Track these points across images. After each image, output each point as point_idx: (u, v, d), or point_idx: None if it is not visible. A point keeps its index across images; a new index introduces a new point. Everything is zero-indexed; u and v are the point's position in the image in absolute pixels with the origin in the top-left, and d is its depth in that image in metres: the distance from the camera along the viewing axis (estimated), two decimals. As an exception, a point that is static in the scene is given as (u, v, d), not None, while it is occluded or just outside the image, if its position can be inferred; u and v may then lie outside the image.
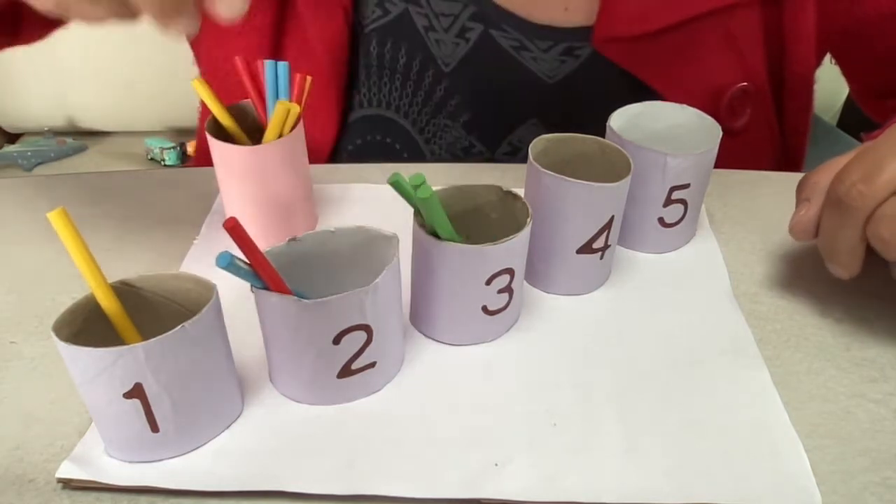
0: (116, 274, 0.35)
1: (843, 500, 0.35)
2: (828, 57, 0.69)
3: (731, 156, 0.62)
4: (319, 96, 0.61)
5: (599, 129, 0.48)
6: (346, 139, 0.65)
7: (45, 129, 1.66)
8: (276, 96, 0.48)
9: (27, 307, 0.46)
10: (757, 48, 0.62)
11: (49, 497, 0.34)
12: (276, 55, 0.62)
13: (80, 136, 1.66)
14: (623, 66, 0.59)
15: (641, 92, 0.59)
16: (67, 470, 0.34)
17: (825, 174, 0.43)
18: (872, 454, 0.37)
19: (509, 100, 0.63)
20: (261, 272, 0.34)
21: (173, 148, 1.60)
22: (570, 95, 0.62)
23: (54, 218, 0.32)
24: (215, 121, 0.48)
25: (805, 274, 0.50)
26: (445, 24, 0.60)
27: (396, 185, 0.36)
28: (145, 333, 0.33)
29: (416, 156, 0.66)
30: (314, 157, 0.65)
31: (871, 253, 0.41)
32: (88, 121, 1.64)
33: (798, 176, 0.60)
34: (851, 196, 0.39)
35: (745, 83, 0.61)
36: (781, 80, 0.64)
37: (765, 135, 0.66)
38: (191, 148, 1.74)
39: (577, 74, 0.61)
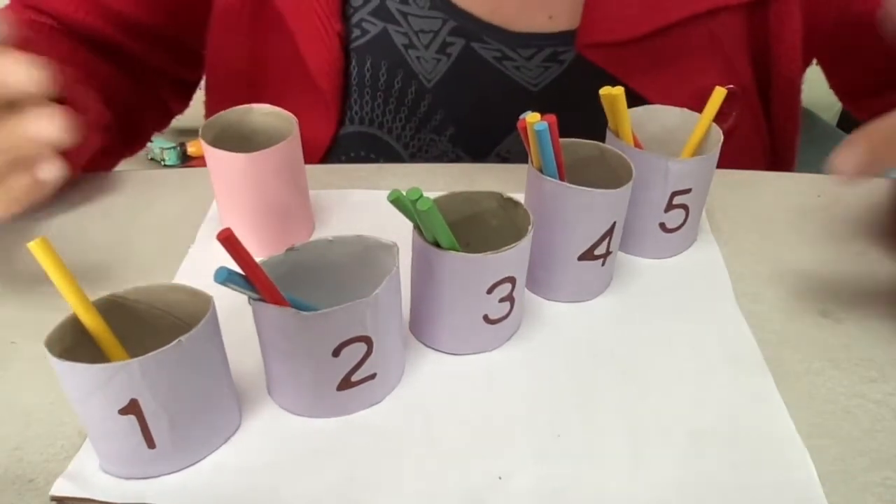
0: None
1: (843, 500, 0.35)
2: None
3: (720, 157, 0.62)
4: (313, 111, 0.61)
5: (587, 134, 0.47)
6: (334, 155, 0.65)
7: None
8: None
9: (27, 307, 0.45)
10: (742, 51, 0.61)
11: (49, 497, 0.34)
12: (264, 69, 0.63)
13: (78, 138, 1.65)
14: (608, 70, 0.58)
15: (626, 95, 0.59)
16: (62, 487, 0.34)
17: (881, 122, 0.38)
18: (872, 454, 0.37)
19: (494, 111, 0.62)
20: (257, 284, 0.34)
21: (173, 148, 1.60)
22: (556, 102, 0.61)
23: (35, 248, 0.32)
24: (211, 126, 0.47)
25: (805, 274, 0.49)
26: (425, 40, 0.60)
27: (397, 202, 0.36)
28: (141, 347, 0.33)
29: None
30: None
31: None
32: (86, 122, 1.63)
33: (795, 175, 0.60)
34: None
35: (730, 85, 0.61)
36: (768, 82, 0.64)
37: (752, 136, 0.66)
38: (191, 148, 1.74)
39: (561, 80, 0.61)
